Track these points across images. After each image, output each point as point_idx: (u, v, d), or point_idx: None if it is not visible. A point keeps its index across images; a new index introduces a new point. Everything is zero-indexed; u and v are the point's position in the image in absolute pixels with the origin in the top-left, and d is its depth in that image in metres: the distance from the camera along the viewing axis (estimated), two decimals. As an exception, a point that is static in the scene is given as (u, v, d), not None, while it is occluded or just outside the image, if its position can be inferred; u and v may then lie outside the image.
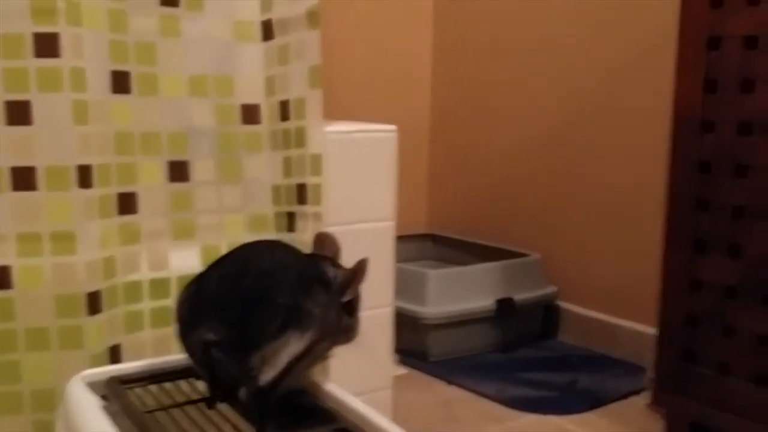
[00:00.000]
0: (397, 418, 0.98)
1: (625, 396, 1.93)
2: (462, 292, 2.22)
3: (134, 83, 1.33)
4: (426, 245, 2.75)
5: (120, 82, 1.32)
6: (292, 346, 1.04)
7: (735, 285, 1.50)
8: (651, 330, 1.68)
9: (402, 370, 2.11)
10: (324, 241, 1.17)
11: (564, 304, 2.38)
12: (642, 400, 1.86)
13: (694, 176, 1.54)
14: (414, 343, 2.18)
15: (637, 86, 2.12)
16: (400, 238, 2.47)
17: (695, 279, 1.57)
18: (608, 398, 1.91)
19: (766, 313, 1.45)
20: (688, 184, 1.55)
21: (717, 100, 1.50)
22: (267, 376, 1.02)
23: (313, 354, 1.09)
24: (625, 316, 2.20)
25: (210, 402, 1.07)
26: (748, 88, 1.45)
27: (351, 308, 1.11)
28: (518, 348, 2.27)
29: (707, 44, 1.49)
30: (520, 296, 2.26)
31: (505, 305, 2.23)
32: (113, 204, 1.31)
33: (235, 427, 1.01)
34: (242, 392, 1.01)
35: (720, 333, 1.53)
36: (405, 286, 2.14)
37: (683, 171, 1.56)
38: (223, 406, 1.06)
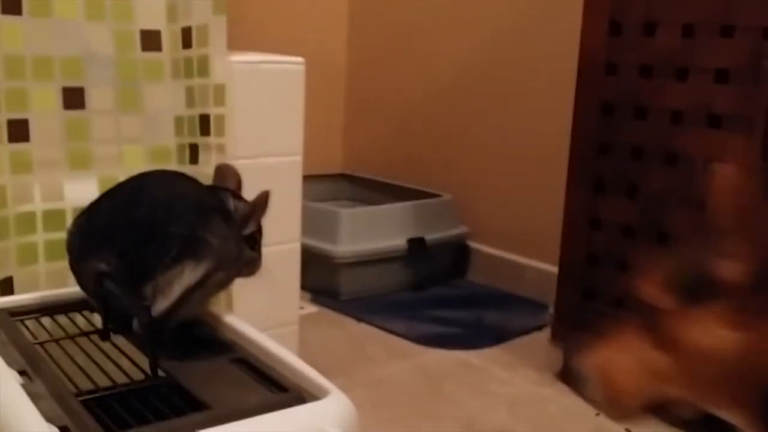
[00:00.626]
0: (305, 354, 0.99)
1: (528, 332, 2.00)
2: (374, 232, 2.23)
3: (26, 4, 1.26)
4: (341, 185, 2.74)
5: (10, 2, 1.24)
6: (187, 276, 1.03)
7: (632, 224, 1.56)
8: (555, 269, 1.73)
9: (313, 309, 2.13)
10: (225, 172, 1.15)
11: (474, 245, 2.43)
12: (544, 335, 1.93)
13: (597, 118, 1.58)
14: (326, 281, 2.19)
15: (546, 29, 2.14)
16: (316, 178, 2.47)
17: (595, 218, 1.62)
18: (512, 334, 1.98)
19: (661, 252, 1.52)
20: (592, 126, 1.59)
21: (621, 43, 1.52)
22: (160, 306, 1.00)
23: (211, 284, 1.08)
24: (531, 256, 2.26)
25: (103, 334, 1.05)
26: (651, 31, 1.48)
27: (253, 241, 1.11)
28: (429, 287, 2.31)
29: (613, -14, 1.51)
30: (431, 236, 2.29)
31: (416, 245, 2.25)
32: (3, 131, 1.25)
33: (129, 358, 0.99)
34: (135, 323, 1.00)
35: (617, 270, 1.59)
36: (317, 225, 2.14)
37: (587, 113, 1.60)
38: (118, 338, 1.05)
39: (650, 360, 0.77)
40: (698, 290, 0.74)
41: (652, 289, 0.78)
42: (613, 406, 0.80)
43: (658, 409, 0.79)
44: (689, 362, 0.75)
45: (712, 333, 0.73)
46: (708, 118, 1.46)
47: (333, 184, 2.72)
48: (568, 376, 1.67)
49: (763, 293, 0.71)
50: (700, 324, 0.74)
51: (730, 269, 0.73)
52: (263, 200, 1.10)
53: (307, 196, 1.64)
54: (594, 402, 0.80)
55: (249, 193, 1.13)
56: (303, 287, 1.76)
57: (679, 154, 1.49)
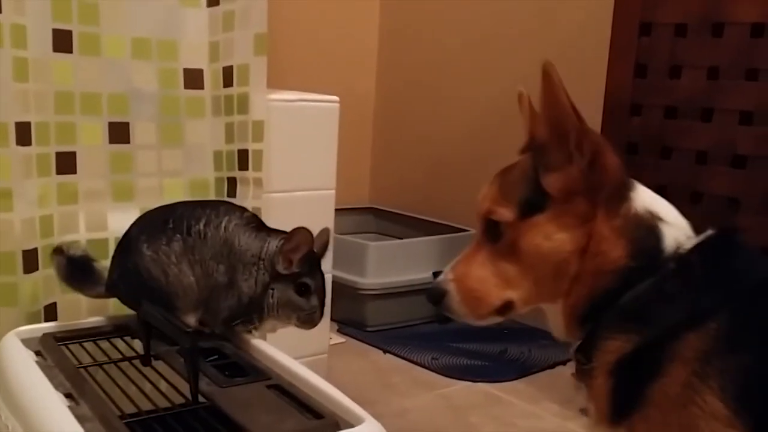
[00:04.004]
0: (331, 384, 1.01)
1: (553, 366, 2.01)
2: (400, 265, 2.26)
3: (76, 43, 1.33)
4: (367, 218, 2.79)
5: (62, 41, 1.31)
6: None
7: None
8: (578, 304, 1.75)
9: (340, 339, 2.15)
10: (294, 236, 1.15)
11: (499, 279, 2.44)
12: (567, 369, 1.94)
13: (622, 158, 1.61)
14: (353, 312, 2.23)
15: (572, 71, 2.17)
16: (343, 211, 2.51)
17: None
18: (536, 367, 1.99)
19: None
20: (617, 164, 1.62)
21: (646, 85, 1.56)
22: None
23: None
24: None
25: (145, 359, 1.10)
26: (676, 73, 1.52)
27: (303, 289, 1.14)
28: (452, 320, 2.33)
29: (639, 30, 1.55)
30: (456, 270, 2.31)
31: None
32: (51, 163, 1.31)
33: (169, 383, 1.03)
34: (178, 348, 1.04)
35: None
36: (346, 257, 2.17)
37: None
38: (158, 363, 1.09)
39: (500, 268, 0.86)
40: (532, 202, 0.84)
41: (493, 205, 0.87)
42: (472, 310, 0.89)
43: (502, 311, 0.89)
44: (531, 264, 0.85)
45: (548, 235, 0.83)
46: (732, 158, 1.49)
47: (360, 217, 2.76)
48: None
49: (587, 196, 0.82)
50: (538, 229, 0.84)
51: (555, 180, 0.83)
52: (293, 236, 1.13)
53: (334, 229, 1.68)
54: (457, 313, 0.89)
55: (285, 224, 1.17)
56: (331, 318, 1.80)
57: (703, 193, 1.52)
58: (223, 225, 1.15)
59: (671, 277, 0.79)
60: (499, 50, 2.43)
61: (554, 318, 0.89)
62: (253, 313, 1.14)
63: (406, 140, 2.80)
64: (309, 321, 1.15)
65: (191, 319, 1.15)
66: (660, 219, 0.83)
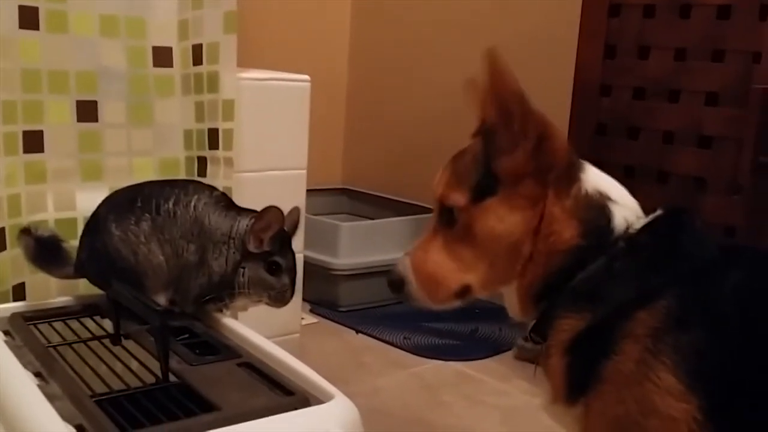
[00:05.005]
0: (304, 363, 1.02)
1: (523, 345, 2.03)
2: (373, 245, 2.27)
3: (43, 20, 1.31)
4: (340, 199, 2.79)
5: (28, 18, 1.29)
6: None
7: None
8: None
9: (312, 319, 2.16)
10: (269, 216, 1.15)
11: (471, 259, 2.47)
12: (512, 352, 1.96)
13: (592, 138, 1.63)
14: (325, 293, 2.23)
15: (542, 52, 2.19)
16: (316, 192, 2.51)
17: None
18: (506, 346, 2.02)
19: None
20: (586, 146, 1.64)
21: (615, 66, 1.58)
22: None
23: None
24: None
25: (115, 338, 1.09)
26: (644, 54, 1.54)
27: (274, 267, 1.14)
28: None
29: (608, 11, 1.57)
30: (429, 250, 2.33)
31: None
32: (19, 141, 1.29)
33: (139, 362, 1.03)
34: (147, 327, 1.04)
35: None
36: (318, 237, 2.18)
37: (581, 133, 1.65)
38: (128, 342, 1.09)
39: (456, 252, 0.87)
40: (484, 186, 0.85)
41: (446, 190, 0.88)
42: (430, 296, 0.90)
43: (461, 295, 0.90)
44: (485, 247, 0.86)
45: (501, 218, 0.85)
46: (698, 138, 1.52)
47: (332, 198, 2.76)
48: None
49: (537, 178, 0.84)
50: (491, 213, 0.85)
51: (504, 163, 0.84)
52: (262, 216, 1.13)
53: (307, 209, 1.68)
54: (415, 299, 0.90)
55: (254, 204, 1.17)
56: (303, 298, 1.80)
57: (670, 173, 1.54)
58: (192, 204, 1.14)
59: (621, 257, 0.81)
60: (471, 31, 2.43)
61: (510, 299, 0.90)
62: (224, 291, 1.15)
63: (379, 121, 2.80)
64: (280, 299, 1.16)
65: (161, 299, 1.15)
66: (610, 199, 0.84)
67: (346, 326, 2.13)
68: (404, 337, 2.05)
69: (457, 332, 2.12)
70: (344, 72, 2.86)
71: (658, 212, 0.84)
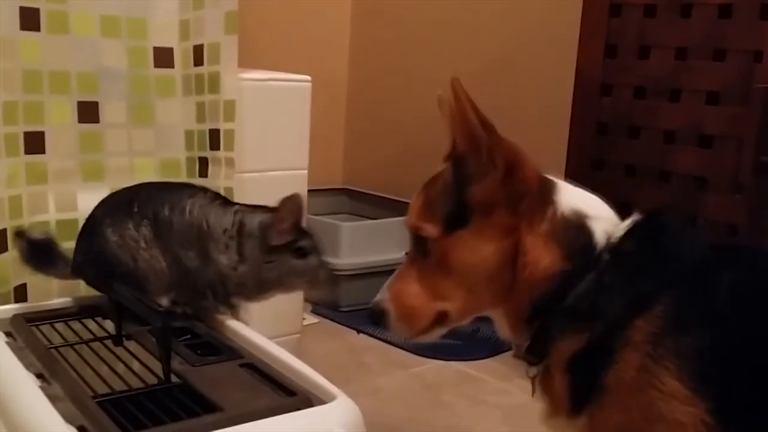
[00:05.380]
0: (305, 363, 1.02)
1: (524, 345, 2.03)
2: (374, 245, 2.27)
3: (44, 21, 1.31)
4: (341, 199, 2.79)
5: (29, 19, 1.29)
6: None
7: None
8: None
9: (313, 319, 2.16)
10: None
11: (472, 259, 2.46)
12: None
13: (592, 137, 1.63)
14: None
15: (543, 52, 2.19)
16: (316, 192, 2.51)
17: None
18: (507, 346, 2.01)
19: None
20: (587, 145, 1.64)
21: (616, 65, 1.58)
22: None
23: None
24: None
25: (117, 339, 1.09)
26: (645, 54, 1.54)
27: (301, 252, 1.14)
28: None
29: (609, 10, 1.56)
30: (430, 250, 2.33)
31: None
32: (20, 142, 1.29)
33: (141, 362, 1.03)
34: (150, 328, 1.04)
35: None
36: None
37: (582, 132, 1.65)
38: (130, 343, 1.09)
39: (431, 282, 0.86)
40: (455, 216, 0.83)
41: (418, 220, 0.86)
42: (409, 327, 0.88)
43: (438, 323, 0.88)
44: (461, 277, 0.84)
45: (474, 249, 0.83)
46: (699, 138, 1.51)
47: (333, 198, 2.76)
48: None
49: (508, 207, 0.82)
50: (464, 244, 0.83)
51: (475, 192, 0.82)
52: (282, 207, 1.12)
53: (308, 209, 1.68)
54: (396, 331, 0.89)
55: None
56: (304, 298, 1.80)
57: (671, 173, 1.54)
58: (187, 209, 1.14)
59: (608, 270, 0.79)
60: (472, 31, 2.43)
61: (499, 322, 0.89)
62: (244, 285, 1.14)
63: (380, 121, 2.80)
64: (315, 280, 1.15)
65: (164, 301, 1.15)
66: (587, 216, 0.82)
67: (347, 326, 2.13)
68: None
69: (458, 332, 2.11)
70: (345, 72, 2.86)
71: (636, 217, 0.83)
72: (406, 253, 0.90)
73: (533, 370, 0.87)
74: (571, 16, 1.74)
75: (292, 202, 1.11)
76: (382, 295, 0.90)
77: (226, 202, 1.17)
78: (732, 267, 0.78)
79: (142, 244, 1.12)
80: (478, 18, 2.42)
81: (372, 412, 1.60)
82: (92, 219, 1.17)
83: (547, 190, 0.84)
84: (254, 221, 1.13)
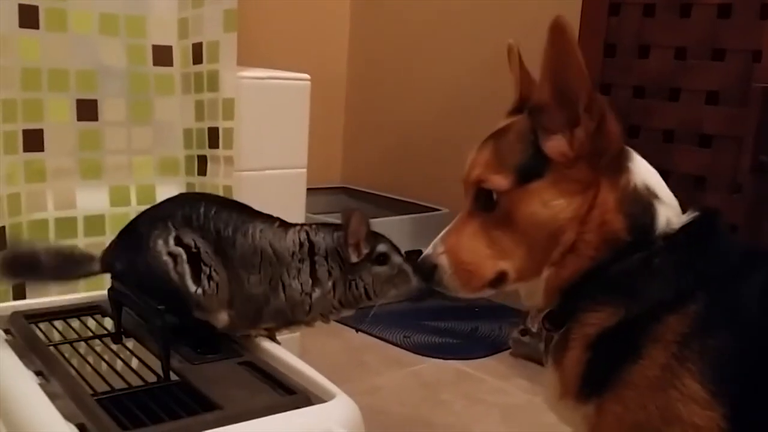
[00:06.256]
0: (304, 362, 1.01)
1: (522, 344, 2.03)
2: (372, 244, 2.27)
3: (42, 18, 1.31)
4: (340, 198, 2.79)
5: (28, 17, 1.29)
6: None
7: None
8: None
9: (312, 318, 2.16)
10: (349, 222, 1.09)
11: (470, 258, 2.47)
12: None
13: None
14: (324, 291, 2.23)
15: (543, 48, 2.19)
16: (315, 190, 2.51)
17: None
18: (506, 344, 2.02)
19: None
20: (586, 144, 1.64)
21: (615, 64, 1.58)
22: None
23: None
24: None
25: (116, 337, 1.09)
26: (644, 53, 1.54)
27: (382, 258, 1.10)
28: (425, 298, 2.35)
29: (608, 9, 1.57)
30: (428, 249, 2.33)
31: (413, 257, 2.29)
32: (18, 140, 1.29)
33: (141, 360, 1.03)
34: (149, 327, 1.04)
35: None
36: (317, 236, 2.17)
37: (582, 131, 1.65)
38: (129, 341, 1.09)
39: (493, 238, 0.82)
40: (530, 168, 0.80)
41: (486, 172, 0.82)
42: (464, 284, 0.84)
43: (496, 283, 0.84)
44: (528, 234, 0.80)
45: (548, 203, 0.79)
46: (698, 137, 1.52)
47: (332, 197, 2.76)
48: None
49: (590, 162, 0.78)
50: (538, 197, 0.79)
51: (558, 144, 0.79)
52: (350, 223, 1.07)
53: (306, 208, 1.68)
54: (449, 287, 0.85)
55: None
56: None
57: (670, 172, 1.54)
58: (250, 233, 1.08)
59: (659, 255, 0.78)
60: (470, 30, 2.43)
61: (533, 286, 0.85)
62: (317, 310, 1.11)
63: (378, 119, 2.80)
64: (404, 277, 1.11)
65: (223, 317, 1.08)
66: (656, 197, 0.81)
67: (345, 325, 2.13)
68: (404, 336, 2.05)
69: (457, 331, 2.13)
70: (344, 70, 2.86)
71: (694, 213, 0.81)
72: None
73: (552, 338, 0.85)
74: (570, 15, 1.74)
75: (357, 216, 1.08)
76: (436, 249, 0.86)
77: (283, 223, 1.11)
78: (763, 272, 0.77)
79: (207, 259, 1.05)
80: (477, 16, 2.42)
81: (371, 410, 1.61)
82: (138, 232, 1.08)
83: (624, 155, 0.81)
84: (325, 241, 1.09)
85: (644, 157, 1.55)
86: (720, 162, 1.49)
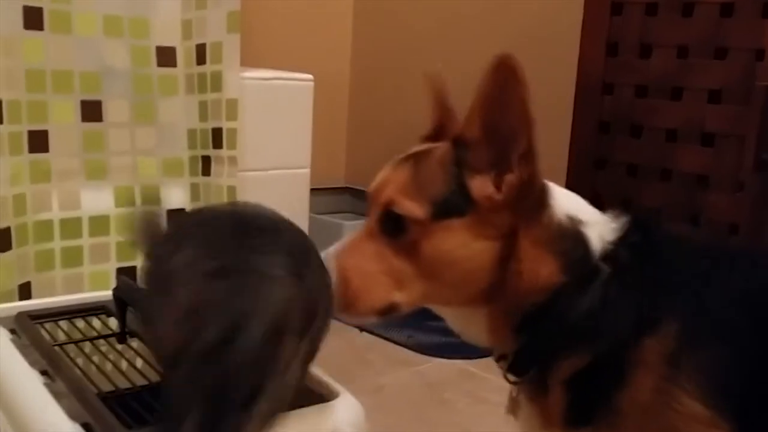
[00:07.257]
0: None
1: (526, 343, 2.03)
2: (376, 243, 2.27)
3: (47, 20, 1.31)
4: (343, 198, 2.79)
5: (32, 18, 1.30)
6: None
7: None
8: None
9: (315, 318, 2.17)
10: None
11: (474, 257, 2.47)
12: (541, 346, 1.97)
13: (594, 136, 1.63)
14: (328, 291, 2.23)
15: (545, 51, 2.20)
16: (319, 191, 2.52)
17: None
18: (510, 344, 2.02)
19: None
20: (589, 144, 1.64)
21: (617, 64, 1.58)
22: None
23: None
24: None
25: (120, 337, 1.10)
26: (646, 52, 1.54)
27: None
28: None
29: (611, 9, 1.57)
30: (432, 248, 2.33)
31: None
32: (24, 141, 1.30)
33: (145, 360, 1.03)
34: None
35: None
36: (321, 236, 2.17)
37: (584, 131, 1.65)
38: (134, 341, 1.09)
39: (393, 266, 0.75)
40: (451, 204, 0.73)
41: (399, 196, 0.75)
42: (347, 308, 0.77)
43: (384, 312, 0.77)
44: (434, 269, 0.74)
45: (466, 243, 0.73)
46: (701, 136, 1.52)
47: (336, 197, 2.77)
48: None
49: (510, 209, 0.72)
50: (454, 235, 0.73)
51: (484, 185, 0.73)
52: None
53: (310, 208, 1.68)
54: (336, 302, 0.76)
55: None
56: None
57: (673, 171, 1.54)
58: None
59: (610, 284, 0.72)
60: (474, 28, 2.43)
61: (471, 322, 0.79)
62: None
63: (382, 119, 2.80)
64: None
65: None
66: (581, 222, 0.74)
67: (349, 325, 2.14)
68: (408, 335, 2.05)
69: (461, 330, 2.13)
70: (347, 71, 2.86)
71: (623, 220, 0.75)
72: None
73: (515, 390, 0.80)
74: (572, 15, 1.75)
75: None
76: (326, 263, 0.77)
77: None
78: (735, 273, 0.74)
79: None
80: (480, 16, 2.42)
81: (374, 409, 1.60)
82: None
83: (543, 192, 0.75)
84: None
85: (647, 156, 1.56)
86: (723, 160, 1.49)
